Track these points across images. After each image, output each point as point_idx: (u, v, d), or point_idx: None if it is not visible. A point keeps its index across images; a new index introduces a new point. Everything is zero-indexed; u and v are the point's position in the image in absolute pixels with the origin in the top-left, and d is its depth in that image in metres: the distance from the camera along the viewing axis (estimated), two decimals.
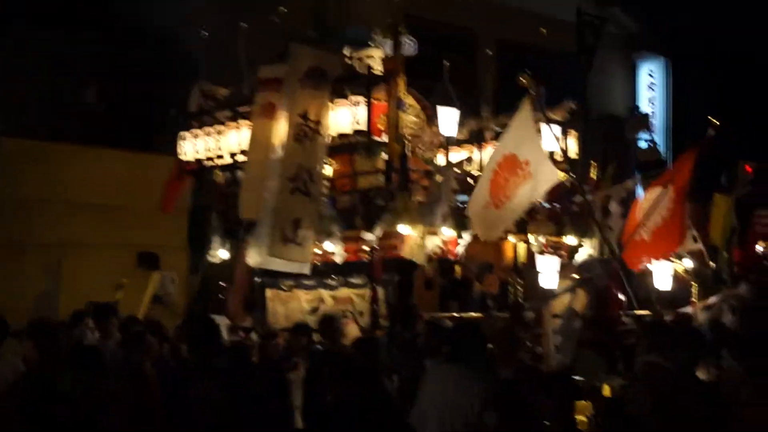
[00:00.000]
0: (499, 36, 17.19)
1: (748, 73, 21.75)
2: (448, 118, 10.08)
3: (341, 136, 10.03)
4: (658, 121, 20.11)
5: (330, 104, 9.87)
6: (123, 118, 14.61)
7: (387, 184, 9.79)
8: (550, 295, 8.50)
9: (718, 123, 9.57)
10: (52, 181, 13.78)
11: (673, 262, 12.52)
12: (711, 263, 12.39)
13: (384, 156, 10.17)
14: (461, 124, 11.90)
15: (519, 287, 9.01)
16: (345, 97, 9.98)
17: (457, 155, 11.49)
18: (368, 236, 9.83)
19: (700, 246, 12.04)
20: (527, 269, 9.60)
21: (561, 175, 9.19)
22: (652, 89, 20.33)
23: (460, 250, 10.20)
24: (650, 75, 20.39)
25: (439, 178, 9.38)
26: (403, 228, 9.59)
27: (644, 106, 20.07)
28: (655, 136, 19.16)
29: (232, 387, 5.65)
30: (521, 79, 8.91)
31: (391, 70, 9.86)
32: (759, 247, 15.34)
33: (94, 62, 14.83)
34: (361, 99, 9.81)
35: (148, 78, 14.49)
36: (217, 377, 5.64)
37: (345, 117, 9.96)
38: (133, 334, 7.37)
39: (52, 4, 14.37)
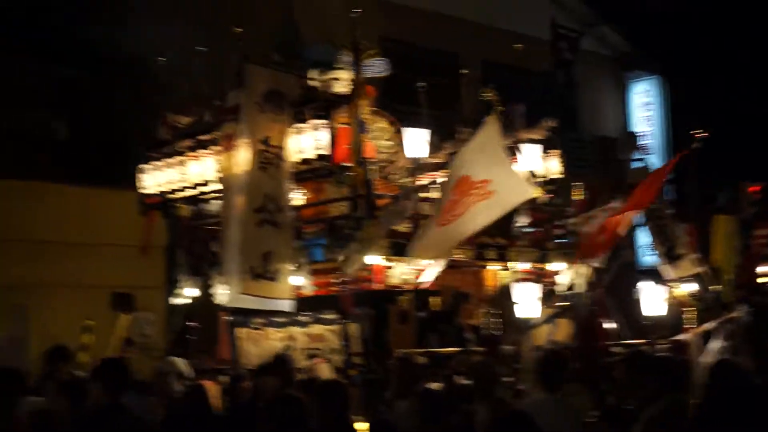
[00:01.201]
0: (484, 57, 16.70)
1: (748, 91, 21.34)
2: (417, 140, 9.50)
3: (305, 161, 9.46)
4: (656, 140, 19.58)
5: (291, 129, 9.41)
6: (92, 152, 14.03)
7: (353, 211, 9.18)
8: (527, 326, 7.87)
9: (704, 135, 9.12)
10: (18, 219, 13.22)
11: (671, 287, 11.98)
12: (714, 287, 11.87)
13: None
14: (440, 147, 11.43)
15: (494, 318, 8.36)
16: (305, 121, 9.43)
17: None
18: (338, 268, 9.24)
19: (702, 269, 11.51)
20: (502, 299, 9.01)
21: (537, 193, 8.74)
22: (648, 109, 19.78)
23: (428, 278, 9.58)
24: (645, 94, 19.85)
25: (405, 203, 8.78)
26: (370, 258, 8.99)
27: (640, 126, 19.52)
28: (649, 156, 18.63)
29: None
30: (485, 94, 8.48)
31: (352, 91, 9.28)
32: (761, 268, 14.79)
33: (63, 94, 14.31)
34: (321, 122, 9.24)
35: (117, 110, 13.95)
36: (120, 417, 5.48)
37: (308, 142, 9.39)
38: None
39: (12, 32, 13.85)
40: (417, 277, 9.72)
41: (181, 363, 8.99)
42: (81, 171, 13.80)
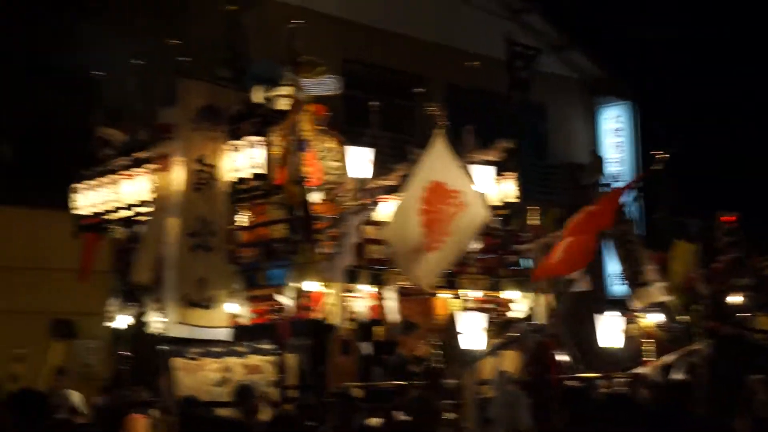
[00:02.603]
0: (448, 79, 16.25)
1: (722, 118, 20.99)
2: (360, 160, 8.99)
3: (241, 181, 8.94)
4: (626, 167, 19.18)
5: (226, 146, 8.90)
6: (35, 172, 13.39)
7: (291, 235, 8.63)
8: (472, 358, 7.32)
9: (665, 157, 8.69)
10: None
11: (637, 316, 11.49)
12: (682, 317, 11.42)
13: None
14: (393, 170, 10.94)
15: (438, 350, 7.79)
16: (241, 138, 8.91)
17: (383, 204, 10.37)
18: (277, 295, 8.70)
19: (667, 297, 11.04)
20: (447, 329, 8.46)
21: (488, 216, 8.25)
22: (618, 135, 19.38)
23: (386, 308, 9.00)
24: (616, 120, 19.46)
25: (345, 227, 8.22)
26: (309, 285, 8.42)
27: (610, 152, 19.13)
28: (616, 181, 18.21)
29: None
30: (430, 111, 8.02)
31: (291, 108, 8.77)
32: (732, 298, 14.36)
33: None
34: (257, 140, 8.72)
35: (60, 129, 13.34)
36: None
37: (243, 160, 8.87)
38: None
39: None
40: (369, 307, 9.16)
41: (76, 397, 8.43)
42: (23, 192, 13.16)
